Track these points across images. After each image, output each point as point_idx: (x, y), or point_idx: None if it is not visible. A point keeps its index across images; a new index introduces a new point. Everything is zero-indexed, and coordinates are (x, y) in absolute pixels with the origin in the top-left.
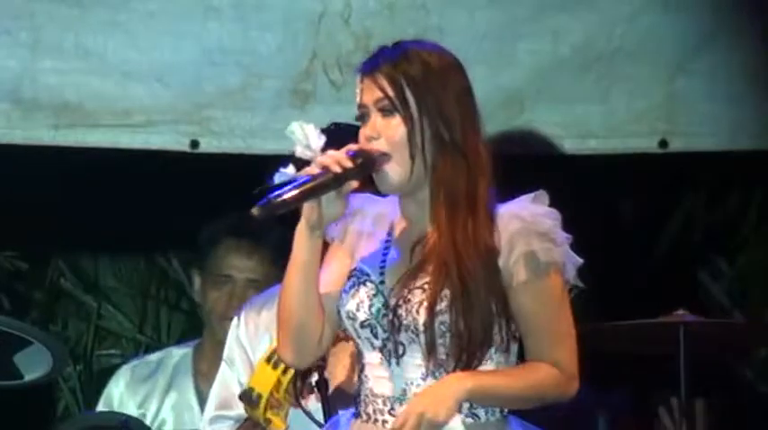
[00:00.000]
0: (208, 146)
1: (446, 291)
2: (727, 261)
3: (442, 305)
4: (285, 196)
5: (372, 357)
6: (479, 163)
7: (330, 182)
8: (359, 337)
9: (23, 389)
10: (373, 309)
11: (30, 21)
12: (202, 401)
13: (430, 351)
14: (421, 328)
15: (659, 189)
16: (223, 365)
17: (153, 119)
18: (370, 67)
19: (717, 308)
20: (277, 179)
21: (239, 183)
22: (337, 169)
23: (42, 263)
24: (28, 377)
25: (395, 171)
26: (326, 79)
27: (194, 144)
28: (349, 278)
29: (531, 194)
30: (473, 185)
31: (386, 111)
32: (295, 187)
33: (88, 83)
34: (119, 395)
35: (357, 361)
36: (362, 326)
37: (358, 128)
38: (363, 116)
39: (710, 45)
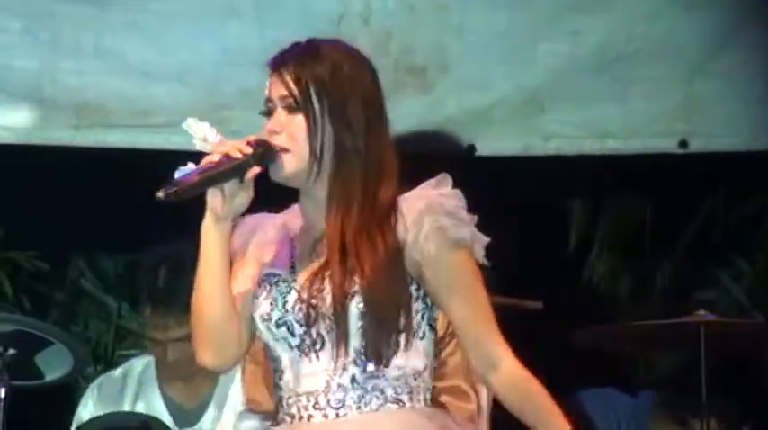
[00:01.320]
0: None
1: (355, 277)
2: (748, 261)
3: (354, 288)
4: (189, 179)
5: (291, 357)
6: (382, 168)
7: (231, 168)
8: (275, 339)
9: (44, 389)
10: (288, 305)
11: (50, 21)
12: (171, 405)
13: (343, 335)
14: (341, 317)
15: (679, 190)
16: (247, 359)
17: (172, 119)
18: (278, 63)
19: (737, 308)
20: (178, 174)
21: (257, 183)
22: (237, 154)
23: (63, 263)
24: (49, 377)
25: (290, 162)
26: None
27: None
28: (259, 285)
29: (434, 179)
30: (372, 189)
31: (290, 108)
32: (198, 172)
33: (108, 83)
34: (88, 415)
35: (272, 371)
36: (278, 325)
37: None
38: (269, 110)
39: (730, 46)
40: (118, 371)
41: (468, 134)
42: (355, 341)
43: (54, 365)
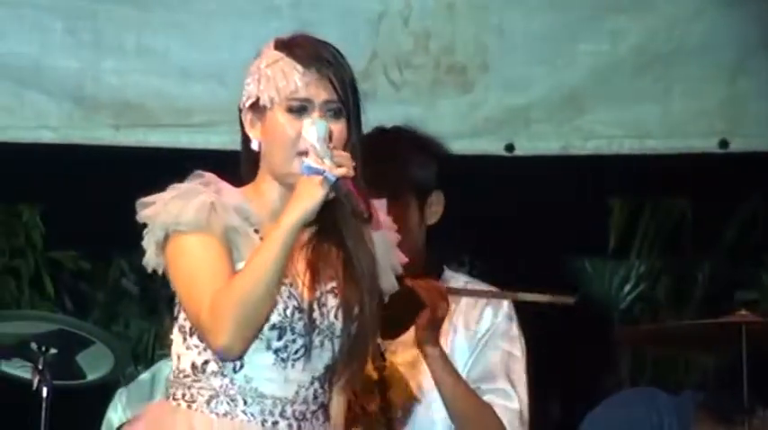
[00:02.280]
0: None
1: (356, 297)
2: None
3: (356, 311)
4: (353, 193)
5: (263, 358)
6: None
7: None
8: (257, 337)
9: (86, 388)
10: (288, 312)
11: (92, 21)
12: None
13: (346, 354)
14: (338, 333)
15: (719, 189)
16: None
17: (213, 118)
18: (320, 63)
19: None
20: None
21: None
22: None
23: (104, 263)
24: (90, 376)
25: None
26: (386, 79)
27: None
28: None
29: (379, 202)
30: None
31: (334, 113)
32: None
33: (149, 82)
34: (118, 420)
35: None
36: (272, 328)
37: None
38: (303, 109)
39: None
40: (146, 375)
41: (508, 133)
42: (333, 362)
43: (95, 365)
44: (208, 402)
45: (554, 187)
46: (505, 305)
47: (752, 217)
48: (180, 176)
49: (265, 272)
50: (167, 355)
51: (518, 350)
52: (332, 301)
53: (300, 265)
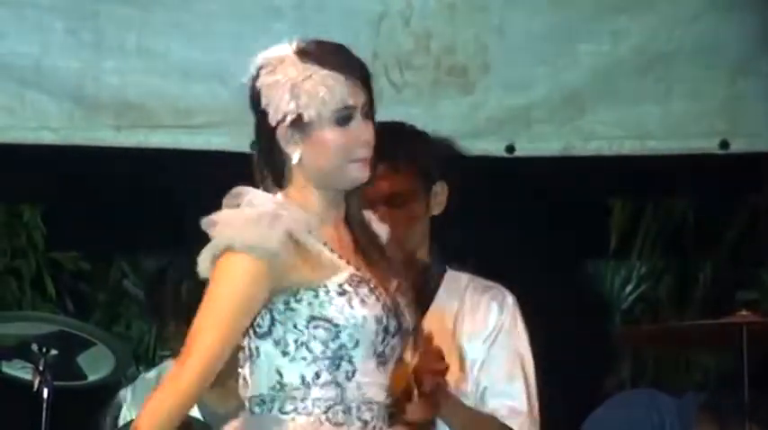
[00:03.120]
0: None
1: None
2: None
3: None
4: None
5: (369, 363)
6: None
7: None
8: (371, 343)
9: (87, 389)
10: (385, 310)
11: (93, 21)
12: (204, 410)
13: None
14: (411, 331)
15: (720, 190)
16: None
17: (214, 119)
18: (356, 69)
19: None
20: None
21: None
22: None
23: (105, 264)
24: (91, 378)
25: (365, 173)
26: (387, 80)
27: (254, 145)
28: (358, 283)
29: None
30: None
31: (366, 116)
32: None
33: (150, 83)
34: (122, 418)
35: (330, 367)
36: (386, 331)
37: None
38: (349, 117)
39: None
40: (151, 373)
41: (509, 134)
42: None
43: (96, 366)
44: (325, 412)
45: (555, 188)
46: (510, 301)
47: (753, 217)
48: (181, 177)
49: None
50: (168, 356)
51: (525, 348)
52: (401, 299)
53: (354, 260)
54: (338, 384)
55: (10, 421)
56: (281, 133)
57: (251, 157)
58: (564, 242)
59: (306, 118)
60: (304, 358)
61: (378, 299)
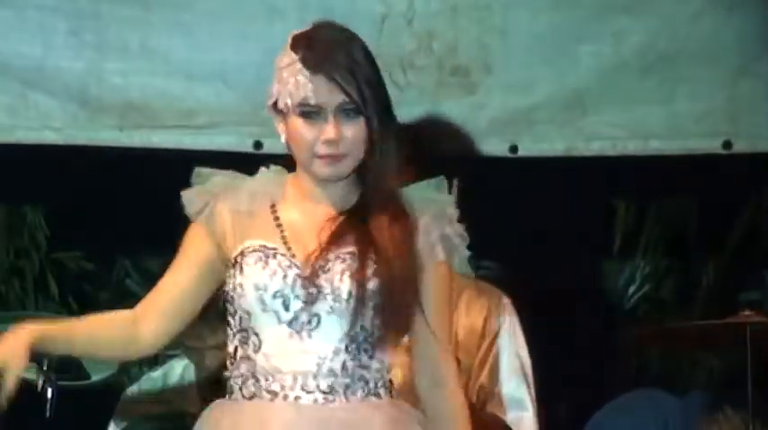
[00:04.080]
0: (271, 147)
1: (370, 260)
2: None
3: (368, 272)
4: None
5: (278, 331)
6: (398, 154)
7: None
8: (264, 310)
9: (90, 389)
10: (287, 280)
11: (95, 22)
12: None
13: (354, 319)
14: (345, 296)
15: (723, 190)
16: None
17: (217, 119)
18: (325, 67)
19: None
20: None
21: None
22: None
23: (108, 264)
24: (95, 377)
25: (349, 166)
26: (389, 80)
27: (258, 145)
28: (250, 252)
29: (435, 180)
30: (396, 175)
31: (348, 113)
32: None
33: (152, 83)
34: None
35: (241, 341)
36: (274, 296)
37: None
38: (311, 113)
39: None
40: (157, 372)
41: (512, 135)
42: (359, 322)
43: (99, 365)
44: (240, 388)
45: (559, 188)
46: (506, 304)
47: (756, 217)
48: (184, 177)
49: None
50: (171, 356)
51: (523, 349)
52: (338, 266)
53: (309, 237)
54: (248, 358)
55: (14, 420)
56: (272, 113)
57: (254, 157)
58: (568, 242)
59: (280, 104)
60: (229, 335)
61: (266, 265)
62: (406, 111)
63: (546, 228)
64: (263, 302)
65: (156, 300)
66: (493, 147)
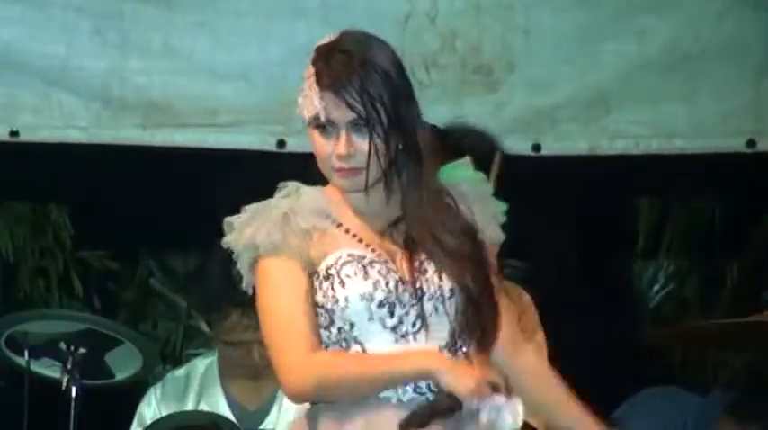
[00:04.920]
0: (294, 145)
1: (452, 262)
2: None
3: (460, 268)
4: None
5: (384, 338)
6: (430, 151)
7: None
8: (369, 319)
9: (114, 388)
10: (390, 286)
11: (118, 21)
12: (234, 407)
13: (461, 313)
14: (447, 294)
15: (747, 189)
16: None
17: (240, 118)
18: (334, 84)
19: None
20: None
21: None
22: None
23: (132, 262)
24: (119, 376)
25: (356, 181)
26: (413, 79)
27: (281, 143)
28: (343, 264)
29: (465, 160)
30: (433, 179)
31: (358, 128)
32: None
33: (176, 82)
34: (151, 415)
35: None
36: (380, 305)
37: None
38: (326, 128)
39: None
40: (181, 371)
41: (535, 133)
42: (454, 326)
43: (124, 364)
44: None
45: (582, 187)
46: (526, 300)
47: None
48: (207, 176)
49: (359, 382)
50: (195, 355)
51: (541, 338)
52: (431, 267)
53: (395, 242)
54: None
55: (39, 419)
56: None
57: (277, 155)
58: (591, 242)
59: (302, 116)
60: (322, 345)
61: (367, 275)
62: (430, 109)
63: (569, 228)
64: (369, 311)
65: (310, 335)
66: (516, 145)
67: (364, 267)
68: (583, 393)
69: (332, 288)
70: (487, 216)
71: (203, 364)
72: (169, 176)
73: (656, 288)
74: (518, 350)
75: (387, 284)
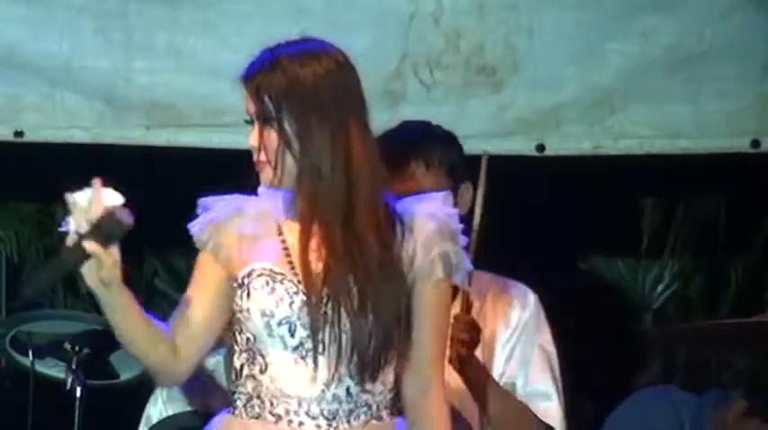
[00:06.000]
0: None
1: (355, 289)
2: None
3: (364, 300)
4: (39, 280)
5: (283, 357)
6: (359, 178)
7: (72, 258)
8: (270, 336)
9: (119, 388)
10: (294, 307)
11: (123, 21)
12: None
13: (353, 350)
14: (347, 326)
15: (751, 189)
16: None
17: (243, 118)
18: (243, 77)
19: None
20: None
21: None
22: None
23: (137, 263)
24: (124, 376)
25: (266, 174)
26: (417, 80)
27: None
28: (257, 277)
29: (441, 194)
30: (351, 196)
31: (263, 122)
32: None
33: (180, 82)
34: (157, 415)
35: (248, 360)
36: (279, 323)
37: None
38: (251, 121)
39: None
40: None
41: (538, 134)
42: (357, 353)
43: (128, 365)
44: (244, 406)
45: (586, 187)
46: (532, 299)
47: None
48: (211, 176)
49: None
50: None
51: (550, 345)
52: (342, 295)
53: (314, 259)
54: (254, 377)
55: (43, 419)
56: None
57: None
58: (595, 241)
59: None
60: (235, 352)
61: (272, 291)
62: (433, 109)
63: (573, 228)
64: (269, 328)
65: (183, 328)
66: (519, 146)
67: (273, 282)
68: (590, 395)
69: (240, 297)
70: (437, 255)
71: (211, 362)
72: (173, 176)
73: (660, 288)
74: (419, 402)
75: (291, 304)
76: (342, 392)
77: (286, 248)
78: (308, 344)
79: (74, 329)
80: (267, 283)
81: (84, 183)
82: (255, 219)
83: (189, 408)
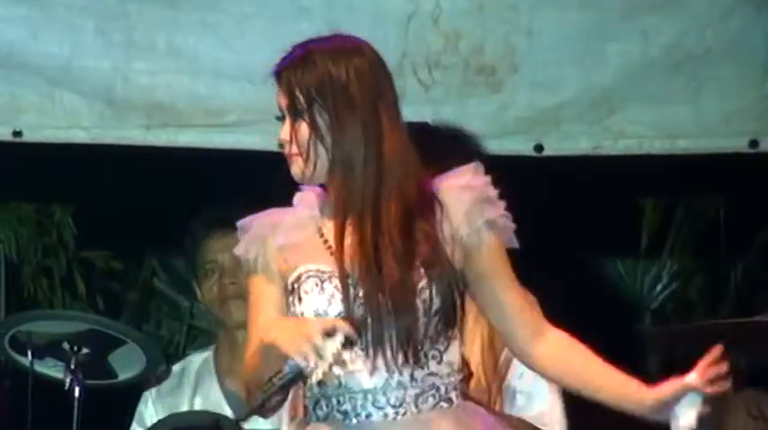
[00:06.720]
0: None
1: (414, 273)
2: None
3: (420, 284)
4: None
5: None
6: (394, 166)
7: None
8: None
9: (117, 388)
10: (349, 300)
11: (123, 22)
12: (232, 400)
13: (411, 332)
14: (388, 316)
15: (751, 189)
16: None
17: (244, 119)
18: (276, 72)
19: None
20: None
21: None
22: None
23: (136, 263)
24: (122, 376)
25: (299, 167)
26: (416, 79)
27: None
28: (306, 279)
29: (471, 165)
30: (382, 188)
31: (294, 116)
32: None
33: (180, 83)
34: (149, 413)
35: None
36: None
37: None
38: (282, 117)
39: None
40: (176, 367)
41: (538, 134)
42: (419, 333)
43: (127, 365)
44: (314, 409)
45: (585, 187)
46: (533, 301)
47: None
48: (211, 177)
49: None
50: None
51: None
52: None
53: (353, 254)
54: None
55: (41, 419)
56: None
57: (281, 155)
58: (595, 241)
59: None
60: None
61: (322, 291)
62: (432, 109)
63: (573, 228)
64: None
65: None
66: (518, 146)
67: (322, 282)
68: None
69: (293, 303)
70: (482, 225)
71: (199, 359)
72: (173, 177)
73: (659, 287)
74: (540, 338)
75: (342, 300)
76: (406, 378)
77: (330, 247)
78: (367, 336)
79: (73, 329)
80: (317, 284)
81: (84, 184)
82: (294, 228)
83: (181, 408)
